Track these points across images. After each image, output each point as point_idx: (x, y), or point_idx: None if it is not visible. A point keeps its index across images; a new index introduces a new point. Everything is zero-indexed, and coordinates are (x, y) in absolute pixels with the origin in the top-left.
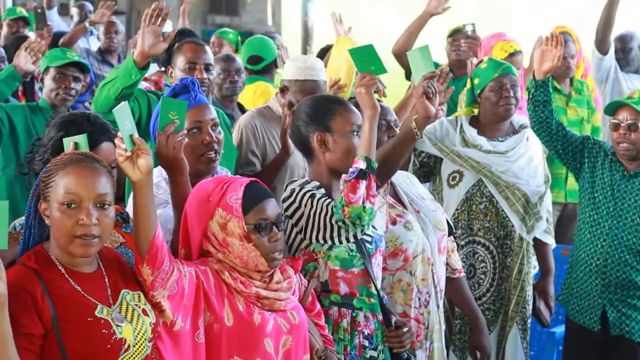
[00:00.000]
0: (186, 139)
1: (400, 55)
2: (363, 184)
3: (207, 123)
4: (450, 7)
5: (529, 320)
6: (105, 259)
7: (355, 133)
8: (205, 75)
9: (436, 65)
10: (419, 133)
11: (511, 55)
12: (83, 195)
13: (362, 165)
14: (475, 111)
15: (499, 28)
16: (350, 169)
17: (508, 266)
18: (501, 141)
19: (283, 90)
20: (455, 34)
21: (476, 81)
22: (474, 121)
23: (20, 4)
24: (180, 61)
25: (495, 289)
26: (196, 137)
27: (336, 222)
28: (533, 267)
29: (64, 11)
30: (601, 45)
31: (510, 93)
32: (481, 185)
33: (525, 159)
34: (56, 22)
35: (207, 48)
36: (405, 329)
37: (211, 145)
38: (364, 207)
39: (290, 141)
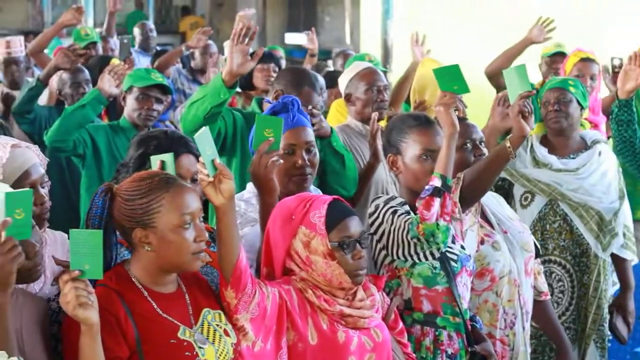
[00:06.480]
0: (280, 160)
1: (493, 76)
2: (437, 202)
3: (302, 146)
4: (552, 38)
5: (607, 339)
6: (185, 277)
7: (426, 157)
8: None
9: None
10: (513, 152)
11: (582, 60)
12: (195, 213)
13: (437, 183)
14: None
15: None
16: (426, 187)
17: (585, 284)
18: (572, 158)
19: (348, 98)
20: (555, 55)
21: (539, 100)
22: (545, 140)
23: (99, 22)
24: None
25: (574, 308)
26: (289, 159)
27: (411, 239)
28: (612, 283)
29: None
30: None
31: (554, 107)
32: (554, 205)
33: (598, 174)
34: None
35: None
36: None
37: (303, 168)
38: (438, 224)
39: (379, 147)
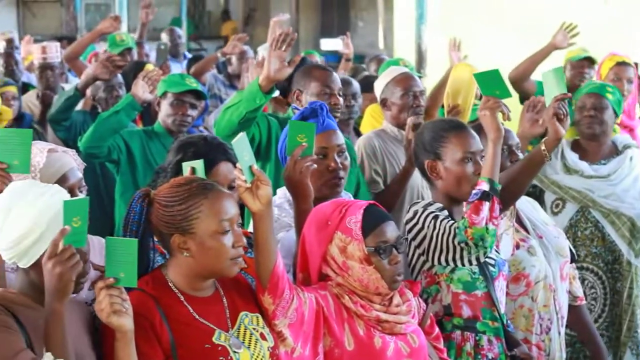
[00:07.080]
0: (314, 165)
1: (517, 81)
2: (486, 206)
3: (333, 149)
4: (575, 43)
5: None
6: (223, 279)
7: (468, 160)
8: (341, 101)
9: None
10: (548, 155)
11: (618, 64)
12: (233, 219)
13: (485, 187)
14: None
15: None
16: (474, 191)
17: (618, 291)
18: (603, 164)
19: (384, 103)
20: (583, 59)
21: (574, 104)
22: (576, 145)
23: (133, 28)
24: (313, 86)
25: (607, 315)
26: (321, 163)
27: (459, 243)
28: None
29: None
30: None
31: (590, 112)
32: (585, 211)
33: (630, 180)
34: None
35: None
36: None
37: (336, 171)
38: (487, 228)
39: None
